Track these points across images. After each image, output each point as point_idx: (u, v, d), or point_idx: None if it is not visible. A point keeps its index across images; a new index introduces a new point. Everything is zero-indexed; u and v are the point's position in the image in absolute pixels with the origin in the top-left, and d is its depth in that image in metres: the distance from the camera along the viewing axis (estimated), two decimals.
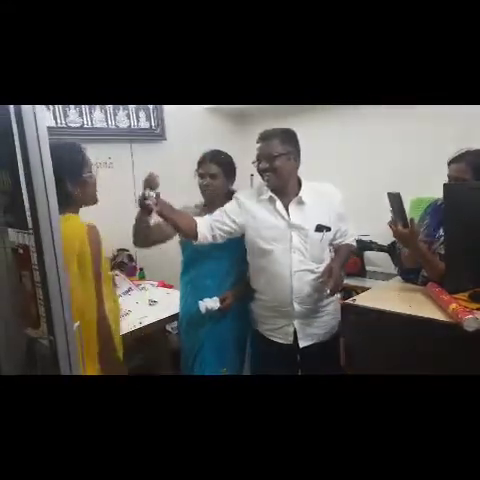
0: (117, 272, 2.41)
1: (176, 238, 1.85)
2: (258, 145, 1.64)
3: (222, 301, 1.72)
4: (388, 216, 1.50)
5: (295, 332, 1.66)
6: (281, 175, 1.61)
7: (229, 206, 1.70)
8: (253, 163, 1.65)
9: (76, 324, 0.92)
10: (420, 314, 1.30)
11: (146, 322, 1.96)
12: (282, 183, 1.62)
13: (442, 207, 1.54)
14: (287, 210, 1.63)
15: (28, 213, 0.90)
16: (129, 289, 2.40)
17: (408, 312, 1.32)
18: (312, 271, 1.62)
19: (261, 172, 1.63)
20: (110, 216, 2.59)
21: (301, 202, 1.63)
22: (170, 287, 2.38)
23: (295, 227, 1.61)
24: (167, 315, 2.03)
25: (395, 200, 1.45)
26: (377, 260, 2.62)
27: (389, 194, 1.47)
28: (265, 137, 1.62)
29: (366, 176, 2.59)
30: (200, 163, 1.83)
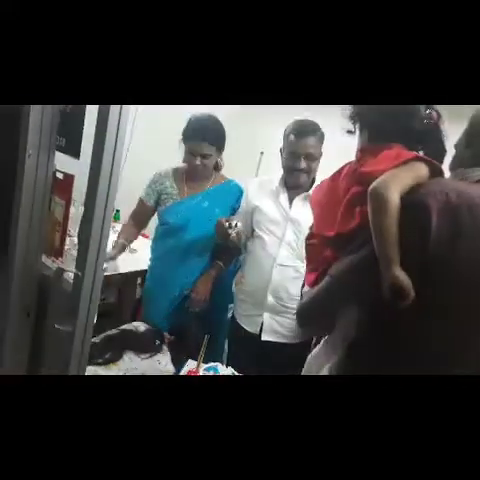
0: None
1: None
2: (294, 139, 1.53)
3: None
4: None
5: (262, 324, 1.64)
6: (311, 176, 1.60)
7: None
8: (281, 154, 1.60)
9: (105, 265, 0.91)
10: None
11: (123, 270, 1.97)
12: (308, 185, 1.61)
13: None
14: (291, 203, 1.62)
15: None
16: None
17: None
18: (296, 269, 1.59)
19: (292, 169, 1.57)
20: None
21: (308, 198, 1.55)
22: (146, 237, 2.30)
23: (292, 221, 1.59)
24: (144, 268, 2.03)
25: None
26: None
27: None
28: (304, 133, 1.52)
29: None
30: (189, 138, 1.64)
